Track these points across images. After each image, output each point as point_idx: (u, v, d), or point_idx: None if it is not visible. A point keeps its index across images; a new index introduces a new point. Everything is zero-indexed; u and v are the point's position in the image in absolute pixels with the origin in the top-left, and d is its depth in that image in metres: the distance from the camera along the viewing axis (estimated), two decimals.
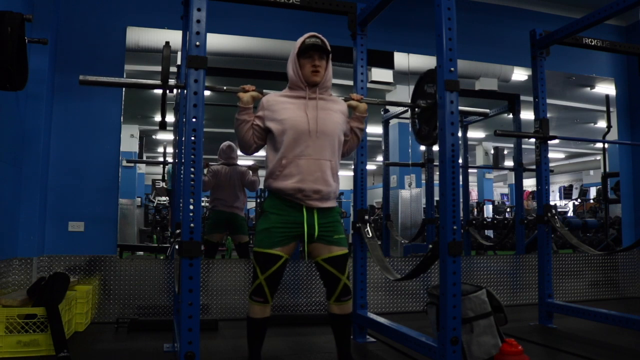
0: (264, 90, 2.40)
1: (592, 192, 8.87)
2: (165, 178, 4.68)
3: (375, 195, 6.72)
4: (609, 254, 4.66)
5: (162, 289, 3.60)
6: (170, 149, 4.57)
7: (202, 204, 4.05)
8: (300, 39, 2.35)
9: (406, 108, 4.74)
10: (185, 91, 2.18)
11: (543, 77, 3.60)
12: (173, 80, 2.32)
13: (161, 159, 4.88)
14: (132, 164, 4.34)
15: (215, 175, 4.25)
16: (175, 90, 4.08)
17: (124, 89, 3.73)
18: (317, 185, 2.27)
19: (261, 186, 5.17)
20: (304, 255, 2.34)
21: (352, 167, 3.14)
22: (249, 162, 4.65)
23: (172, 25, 3.64)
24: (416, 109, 2.82)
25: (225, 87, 2.47)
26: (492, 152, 6.25)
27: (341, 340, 2.37)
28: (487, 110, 3.11)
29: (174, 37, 3.73)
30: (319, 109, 2.33)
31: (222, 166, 4.30)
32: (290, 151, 2.27)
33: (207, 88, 2.26)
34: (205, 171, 4.20)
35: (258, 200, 6.07)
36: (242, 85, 2.36)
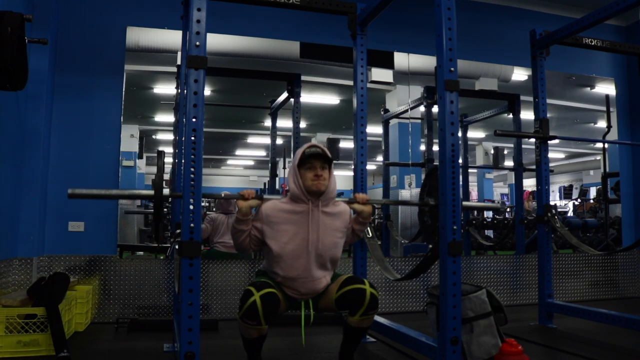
0: (264, 196, 2.36)
1: (592, 192, 8.87)
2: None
3: (375, 195, 6.72)
4: (609, 254, 4.65)
5: (162, 289, 3.60)
6: (170, 149, 4.57)
7: (202, 204, 4.05)
8: (300, 150, 2.31)
9: (406, 108, 4.75)
10: (185, 91, 2.18)
11: (543, 77, 3.60)
12: (167, 190, 2.24)
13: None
14: (132, 164, 4.34)
15: (213, 222, 4.26)
16: (175, 89, 4.10)
17: (123, 89, 3.73)
18: (310, 295, 2.33)
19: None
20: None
21: (352, 167, 3.14)
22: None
23: (172, 25, 3.64)
24: (425, 208, 2.77)
25: (223, 194, 2.43)
26: (492, 152, 6.25)
27: (349, 345, 2.35)
28: (498, 205, 3.05)
29: (174, 37, 3.74)
30: (321, 229, 2.29)
31: (220, 214, 4.30)
32: (287, 271, 2.28)
33: (204, 196, 2.19)
34: (203, 220, 4.19)
35: None
36: (241, 192, 2.27)
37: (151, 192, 2.22)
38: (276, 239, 2.27)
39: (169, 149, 4.69)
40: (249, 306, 2.07)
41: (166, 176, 4.70)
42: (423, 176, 5.11)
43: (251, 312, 2.07)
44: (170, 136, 4.36)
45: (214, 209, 4.40)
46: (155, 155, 5.16)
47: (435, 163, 4.98)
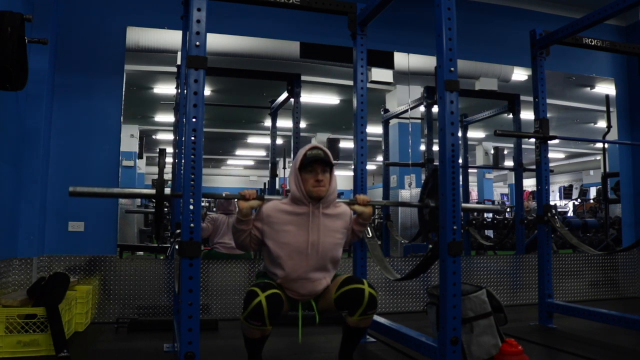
0: (265, 197, 2.36)
1: (592, 192, 8.87)
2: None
3: (375, 195, 6.71)
4: (609, 254, 4.65)
5: (162, 289, 3.60)
6: (170, 149, 4.57)
7: (203, 204, 4.04)
8: (302, 152, 2.30)
9: (406, 108, 4.75)
10: (185, 91, 2.18)
11: (543, 77, 3.60)
12: (168, 189, 2.25)
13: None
14: (132, 164, 4.34)
15: (214, 222, 4.27)
16: (175, 89, 4.10)
17: (123, 88, 3.73)
18: (310, 297, 2.33)
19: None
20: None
21: (352, 167, 3.14)
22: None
23: (172, 25, 3.64)
24: (425, 209, 2.77)
25: (224, 194, 2.37)
26: (492, 152, 6.25)
27: (348, 345, 2.36)
28: (498, 208, 3.05)
29: (174, 37, 3.74)
30: (321, 231, 2.29)
31: (220, 215, 4.31)
32: (287, 273, 2.27)
33: (204, 195, 2.19)
34: (203, 219, 4.20)
35: None
36: (242, 192, 2.27)
37: (152, 191, 2.22)
38: (276, 239, 2.27)
39: (169, 149, 4.70)
40: (254, 307, 2.06)
41: (167, 176, 4.71)
42: (423, 176, 5.11)
43: (256, 313, 2.06)
44: (170, 136, 4.36)
45: (215, 209, 4.41)
46: (156, 155, 5.16)
47: (435, 163, 4.98)
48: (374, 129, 5.18)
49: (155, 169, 2.22)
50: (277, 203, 2.32)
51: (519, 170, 4.92)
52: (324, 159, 2.26)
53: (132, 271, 3.58)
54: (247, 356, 2.30)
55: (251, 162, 9.82)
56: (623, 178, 4.97)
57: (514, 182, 5.13)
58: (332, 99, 5.27)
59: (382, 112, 5.16)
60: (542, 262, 3.53)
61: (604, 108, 4.85)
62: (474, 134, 6.32)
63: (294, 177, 2.29)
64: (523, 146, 4.95)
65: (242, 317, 2.13)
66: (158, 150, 2.25)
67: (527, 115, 4.41)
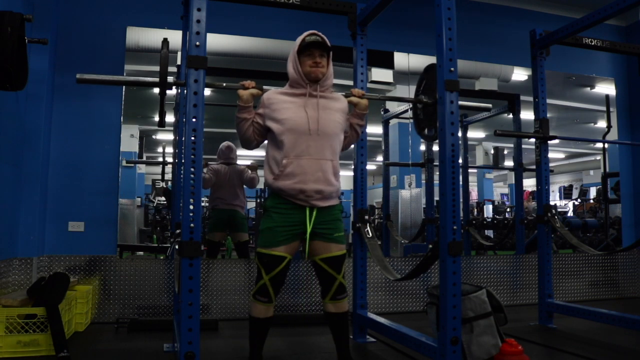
0: (264, 87, 2.40)
1: (592, 192, 8.87)
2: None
3: (375, 195, 6.71)
4: (609, 254, 4.65)
5: (162, 289, 3.60)
6: (170, 149, 4.57)
7: (202, 203, 4.05)
8: (300, 37, 2.35)
9: (406, 108, 4.75)
10: (185, 91, 2.18)
11: (543, 77, 3.60)
12: (172, 78, 2.32)
13: (160, 159, 4.89)
14: (132, 164, 4.34)
15: (215, 173, 4.26)
16: (175, 89, 4.10)
17: (123, 88, 3.73)
18: (319, 185, 2.27)
19: (261, 185, 5.18)
20: (304, 255, 2.34)
21: (352, 167, 3.14)
22: (248, 162, 4.66)
23: (172, 25, 3.63)
24: (419, 105, 2.81)
25: (224, 84, 2.47)
26: (492, 152, 6.25)
27: (339, 339, 2.37)
28: (489, 105, 3.09)
29: (174, 37, 3.73)
30: (320, 108, 2.32)
31: (222, 165, 4.30)
32: (291, 151, 2.26)
33: (207, 85, 2.28)
34: (205, 170, 4.20)
35: (258, 201, 6.07)
36: (242, 82, 2.35)
37: (156, 79, 2.28)
38: (276, 117, 2.30)
39: (169, 149, 4.70)
40: (260, 287, 2.26)
41: (167, 176, 4.71)
42: (423, 176, 5.12)
43: (262, 291, 2.26)
44: (170, 136, 4.36)
45: (216, 158, 4.40)
46: (156, 154, 5.16)
47: (435, 163, 4.98)
48: (374, 129, 5.18)
49: (156, 169, 2.24)
50: (276, 90, 2.40)
51: (519, 170, 4.92)
52: (322, 43, 2.32)
53: (132, 271, 3.58)
54: (249, 354, 2.30)
55: (250, 162, 9.82)
56: (623, 178, 4.97)
57: (514, 182, 5.13)
58: None
59: (382, 112, 5.16)
60: (542, 262, 3.53)
61: (604, 108, 4.85)
62: (474, 134, 6.32)
63: (292, 61, 2.34)
64: (523, 146, 4.95)
65: (251, 295, 2.32)
66: (162, 39, 2.29)
67: (527, 115, 4.41)
